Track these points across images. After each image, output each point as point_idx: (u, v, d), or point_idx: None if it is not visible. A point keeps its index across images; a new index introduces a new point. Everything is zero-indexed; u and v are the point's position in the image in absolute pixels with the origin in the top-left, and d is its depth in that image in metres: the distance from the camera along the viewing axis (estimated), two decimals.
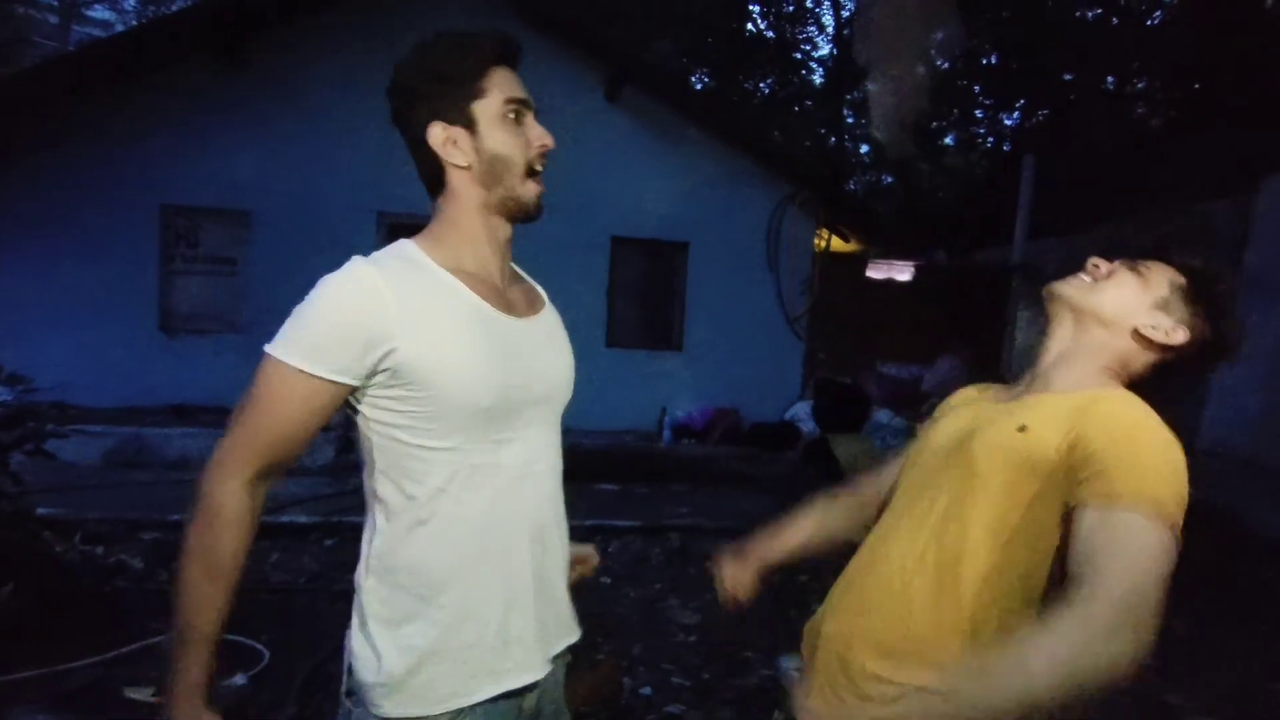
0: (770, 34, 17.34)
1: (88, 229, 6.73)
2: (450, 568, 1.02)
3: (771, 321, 8.03)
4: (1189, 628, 3.49)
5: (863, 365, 7.95)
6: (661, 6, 14.70)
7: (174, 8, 14.12)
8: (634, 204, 7.59)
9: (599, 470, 6.33)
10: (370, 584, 1.05)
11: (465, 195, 1.09)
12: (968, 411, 1.20)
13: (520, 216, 1.11)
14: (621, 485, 6.15)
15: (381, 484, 1.04)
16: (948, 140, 17.13)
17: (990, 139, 16.23)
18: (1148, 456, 0.96)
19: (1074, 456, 0.98)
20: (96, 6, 16.15)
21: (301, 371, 0.96)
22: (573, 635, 1.21)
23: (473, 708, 1.03)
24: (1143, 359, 1.12)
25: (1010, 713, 0.86)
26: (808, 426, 7.29)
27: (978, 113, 15.70)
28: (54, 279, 6.61)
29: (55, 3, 16.20)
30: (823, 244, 8.29)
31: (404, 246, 1.08)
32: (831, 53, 17.79)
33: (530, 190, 1.09)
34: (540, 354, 1.12)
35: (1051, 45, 11.98)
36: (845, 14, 16.85)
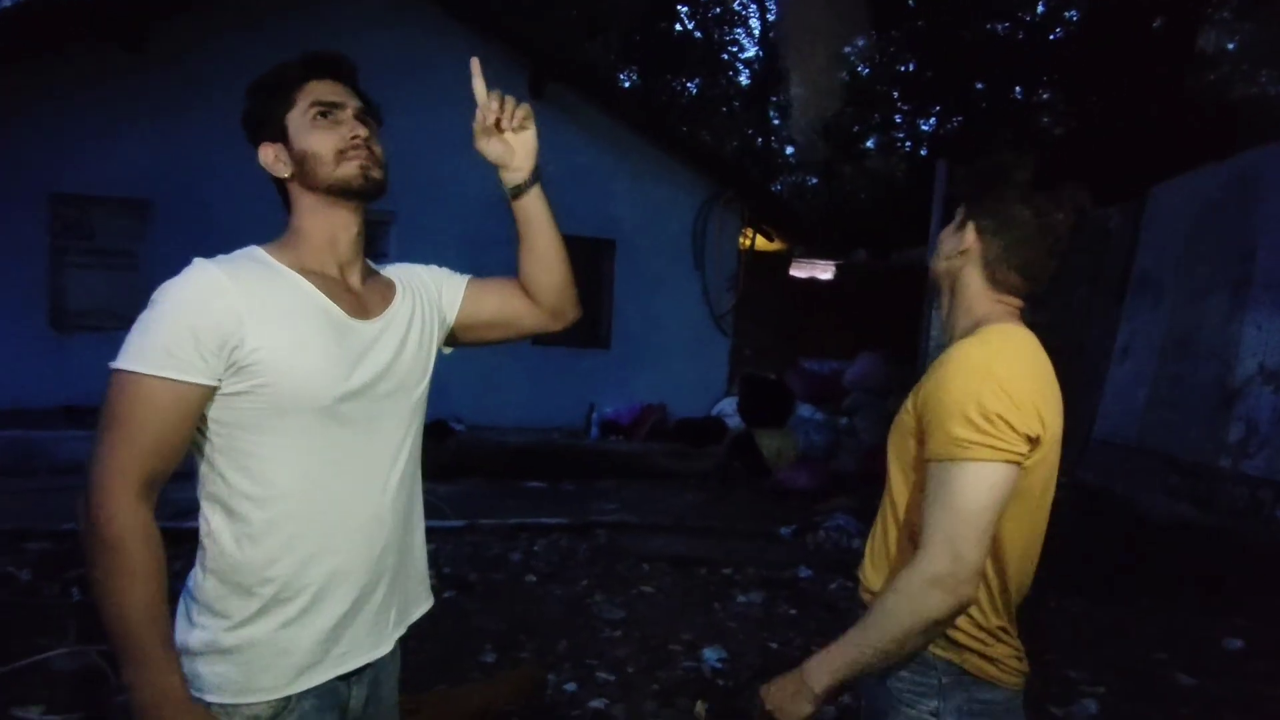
0: (698, 34, 17.53)
1: None
2: (291, 563, 1.04)
3: (697, 319, 8.11)
4: (1085, 606, 3.70)
5: (786, 361, 8.11)
6: (591, 6, 14.67)
7: None
8: (560, 201, 7.20)
9: (526, 468, 6.27)
10: (209, 584, 1.04)
11: (297, 202, 1.12)
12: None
13: (351, 195, 1.10)
14: (549, 483, 6.10)
15: (218, 484, 1.04)
16: (869, 144, 17.68)
17: (909, 144, 16.84)
18: (946, 397, 1.06)
19: (918, 414, 1.12)
20: None
21: (163, 379, 0.95)
22: (421, 608, 1.27)
23: (301, 695, 1.06)
24: (973, 283, 1.19)
25: (877, 658, 1.05)
26: (733, 421, 7.38)
27: (897, 118, 16.26)
28: None
29: None
30: (748, 243, 8.42)
31: (251, 250, 1.09)
32: (758, 55, 18.12)
33: (346, 169, 1.09)
34: (388, 354, 1.13)
35: (964, 57, 12.50)
36: (771, 17, 17.19)
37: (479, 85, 1.22)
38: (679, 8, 16.78)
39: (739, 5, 17.39)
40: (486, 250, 7.13)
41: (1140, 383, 5.69)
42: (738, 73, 19.23)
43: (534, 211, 1.30)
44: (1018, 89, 13.89)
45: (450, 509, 4.75)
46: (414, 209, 7.06)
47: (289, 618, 1.04)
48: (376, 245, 7.49)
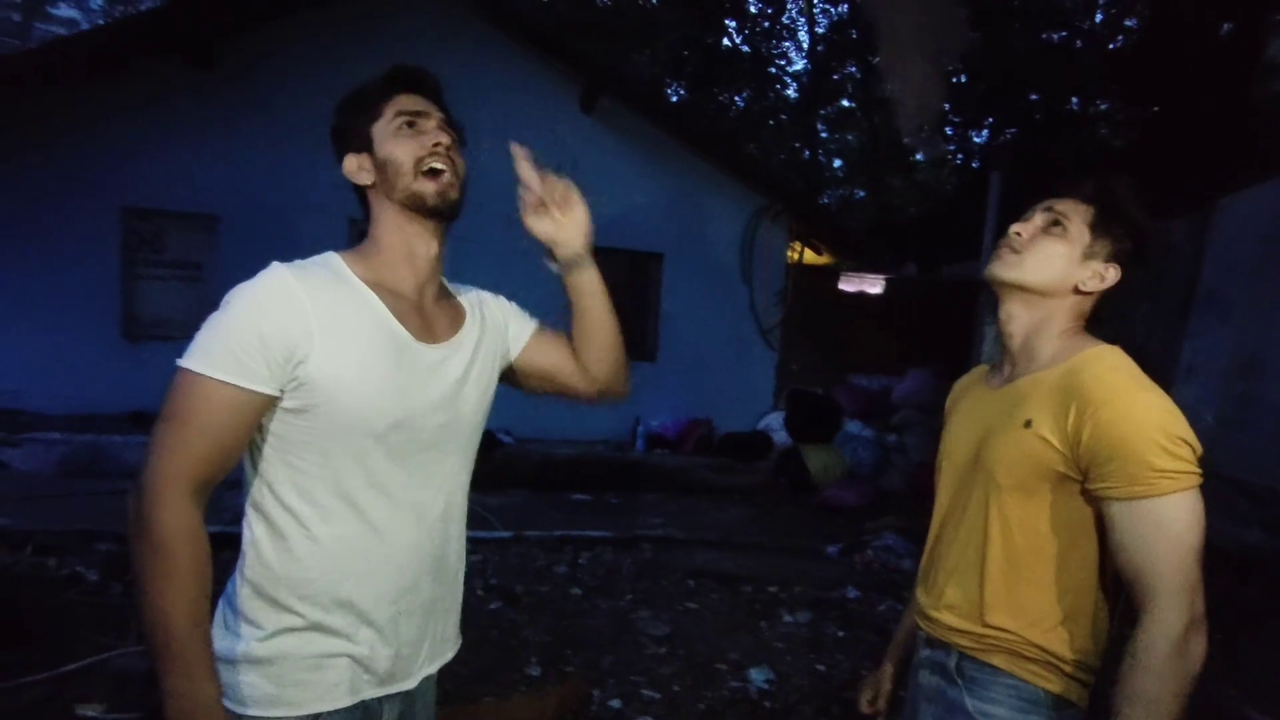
0: (746, 49, 17.53)
1: (47, 231, 6.56)
2: (327, 583, 1.03)
3: (745, 332, 8.08)
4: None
5: (834, 376, 8.01)
6: (639, 20, 14.80)
7: (143, 7, 13.89)
8: (608, 214, 7.55)
9: (571, 480, 6.30)
10: (245, 592, 1.04)
11: (378, 211, 1.12)
12: (974, 413, 1.25)
13: (425, 212, 1.10)
14: (594, 495, 6.12)
15: (264, 495, 1.03)
16: (918, 157, 17.42)
17: (960, 156, 16.54)
18: (1132, 430, 1.00)
19: (1073, 447, 1.04)
20: (61, 4, 15.84)
21: (227, 384, 0.95)
22: (449, 653, 1.24)
23: (331, 713, 1.05)
24: (1091, 303, 1.18)
25: None
26: (780, 437, 7.31)
27: (948, 130, 15.99)
28: (11, 283, 6.43)
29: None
30: (796, 256, 8.37)
31: (329, 257, 1.09)
32: (806, 68, 18.01)
33: (425, 186, 1.09)
34: (448, 384, 1.12)
35: (1018, 67, 12.25)
36: (820, 30, 17.09)
37: (521, 169, 1.23)
38: (727, 22, 16.81)
39: (788, 19, 17.32)
40: (530, 261, 7.29)
41: (1207, 404, 5.46)
42: (785, 86, 19.17)
43: (586, 290, 1.27)
44: (1074, 99, 13.54)
45: (497, 520, 4.80)
46: (471, 226, 7.13)
47: (321, 635, 1.04)
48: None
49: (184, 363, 0.96)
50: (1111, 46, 12.80)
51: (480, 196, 7.12)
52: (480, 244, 7.33)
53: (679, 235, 7.87)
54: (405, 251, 1.11)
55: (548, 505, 5.70)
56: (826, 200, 18.20)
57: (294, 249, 1.36)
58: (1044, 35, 13.05)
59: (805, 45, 17.45)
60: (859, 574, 4.45)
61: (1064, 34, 13.14)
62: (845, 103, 19.26)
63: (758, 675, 3.12)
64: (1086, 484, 1.05)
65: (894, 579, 4.26)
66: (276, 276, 1.00)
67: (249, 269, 1.05)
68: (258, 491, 1.04)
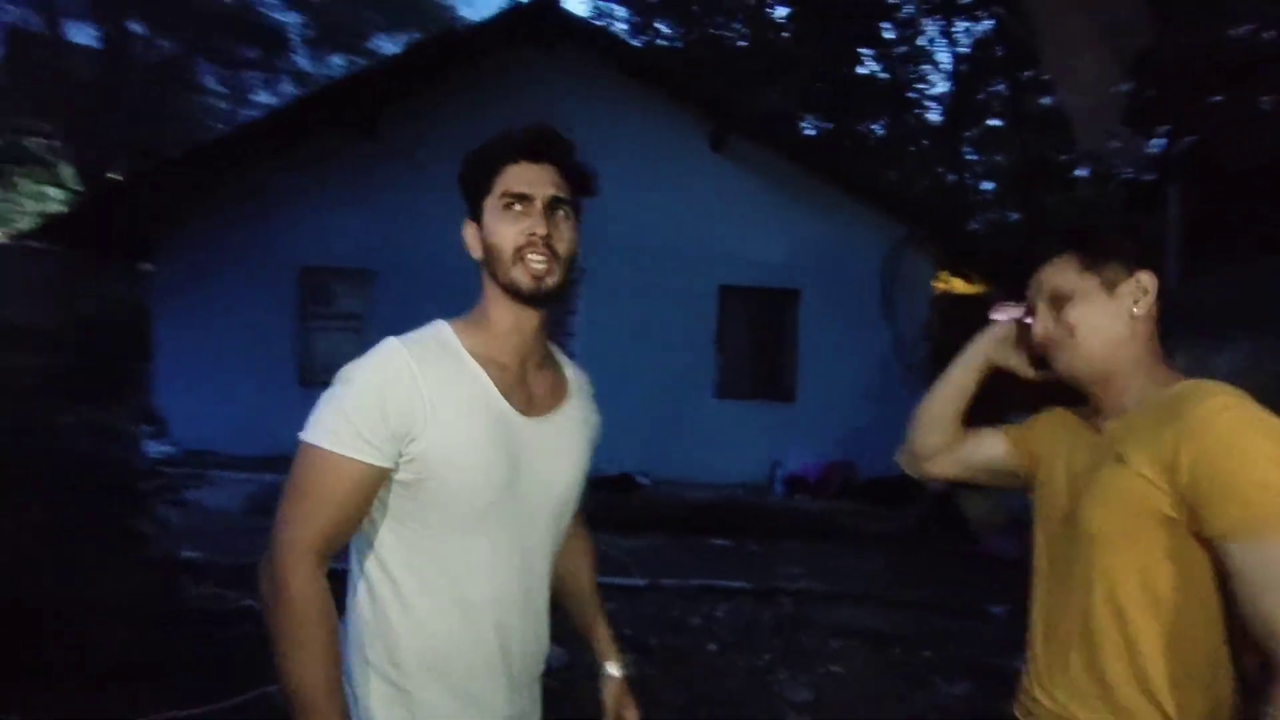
0: (883, 75, 17.05)
1: (233, 289, 7.35)
2: (410, 650, 1.05)
3: (888, 369, 7.67)
4: None
5: (990, 415, 7.42)
6: (771, 57, 14.80)
7: None
8: (742, 252, 7.51)
9: (709, 525, 6.17)
10: (355, 660, 1.08)
11: (486, 284, 1.14)
12: (1065, 460, 1.14)
13: (520, 299, 1.10)
14: (732, 541, 5.96)
15: (369, 558, 1.07)
16: (1080, 172, 16.12)
17: (1128, 170, 15.13)
18: (1242, 466, 0.90)
19: (1174, 479, 0.94)
20: (261, 93, 17.96)
21: (350, 459, 1.00)
22: None
23: None
24: (1153, 322, 1.08)
25: None
26: (931, 483, 6.83)
27: (1115, 141, 14.70)
28: (205, 335, 7.23)
29: (226, 90, 18.18)
30: (943, 287, 7.90)
31: (440, 329, 1.12)
32: (949, 90, 17.25)
33: (519, 274, 1.08)
34: (546, 458, 1.13)
35: (1195, 68, 11.08)
36: (962, 49, 16.36)
37: None
38: (861, 51, 16.45)
39: (925, 41, 16.72)
40: (671, 301, 7.34)
41: None
42: (926, 110, 18.42)
43: None
44: (1263, 99, 12.06)
45: (634, 565, 4.76)
46: (603, 267, 7.35)
47: (407, 700, 1.06)
48: (564, 303, 7.88)
49: (308, 438, 1.02)
50: None
51: (604, 233, 7.23)
52: (604, 279, 7.47)
53: (816, 270, 7.65)
54: (510, 327, 1.12)
55: (684, 551, 5.60)
56: (976, 225, 17.21)
57: (443, 301, 1.40)
58: (1226, 30, 11.75)
59: (947, 66, 16.75)
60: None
61: (1251, 26, 11.77)
62: (993, 122, 18.24)
63: None
64: (1196, 525, 0.93)
65: None
66: (393, 354, 1.04)
67: (403, 319, 1.14)
68: (364, 557, 1.08)
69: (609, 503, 5.98)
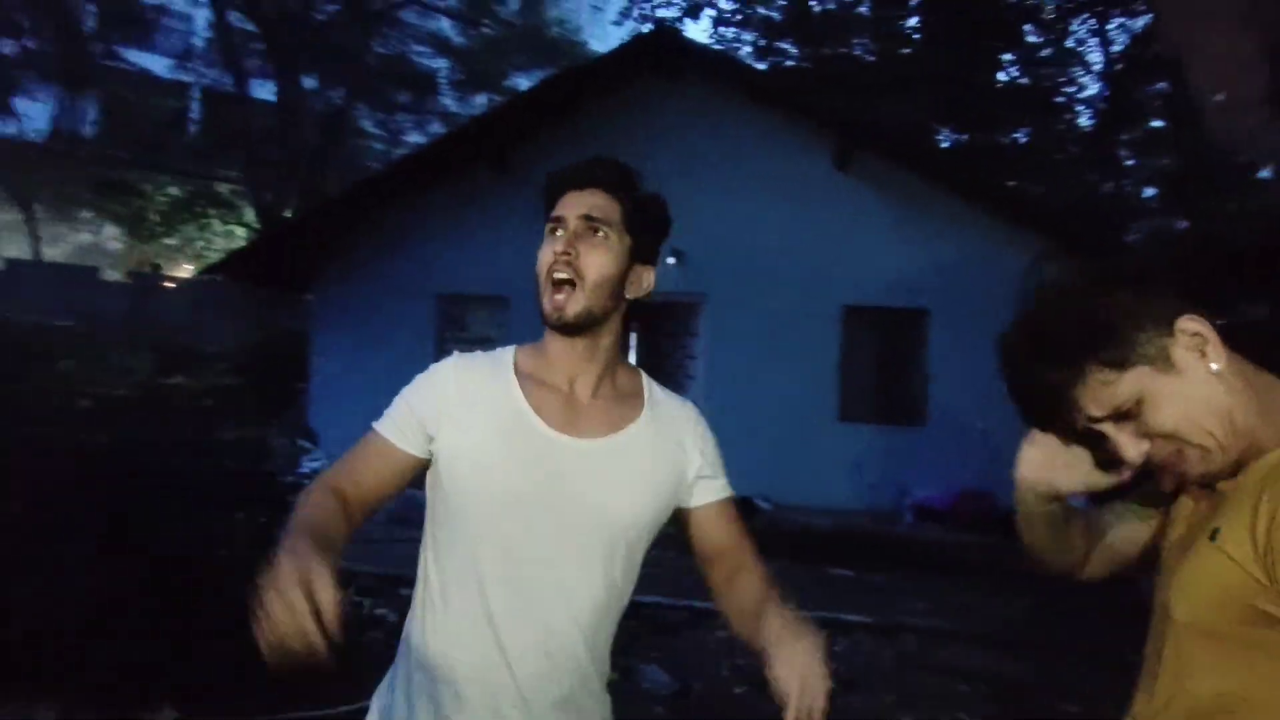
0: (1024, 81, 16.09)
1: (380, 315, 7.95)
2: (441, 665, 1.06)
3: None
4: None
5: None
6: (899, 69, 14.35)
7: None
8: (867, 271, 7.31)
9: (832, 553, 5.99)
10: (401, 649, 1.15)
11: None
12: (1177, 531, 0.94)
13: (549, 327, 1.12)
14: (855, 572, 5.75)
15: (420, 565, 1.14)
16: (1264, 174, 14.46)
17: None
18: None
19: (1264, 558, 0.75)
20: (413, 133, 19.45)
21: (381, 435, 1.11)
22: None
23: None
24: (1235, 364, 0.85)
25: None
26: None
27: None
28: (354, 359, 7.85)
29: (382, 132, 19.85)
30: None
31: (507, 349, 1.18)
32: (1100, 92, 16.03)
33: (544, 302, 1.11)
34: (593, 481, 1.08)
35: None
36: (1117, 48, 15.18)
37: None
38: (1001, 56, 15.61)
39: (1073, 42, 15.63)
40: (793, 322, 7.24)
41: None
42: (1075, 115, 17.18)
43: None
44: None
45: None
46: (726, 290, 7.38)
47: (424, 705, 1.07)
48: (688, 327, 7.94)
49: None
50: None
51: (726, 255, 7.28)
52: (726, 300, 7.47)
53: (946, 289, 7.30)
54: (557, 351, 1.14)
55: (805, 579, 5.45)
56: (1135, 235, 15.79)
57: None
58: None
59: (1098, 67, 15.58)
60: None
61: None
62: (1154, 123, 16.74)
63: None
64: None
65: None
66: (445, 363, 1.15)
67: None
68: (420, 562, 1.15)
69: None
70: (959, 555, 5.96)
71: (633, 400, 1.17)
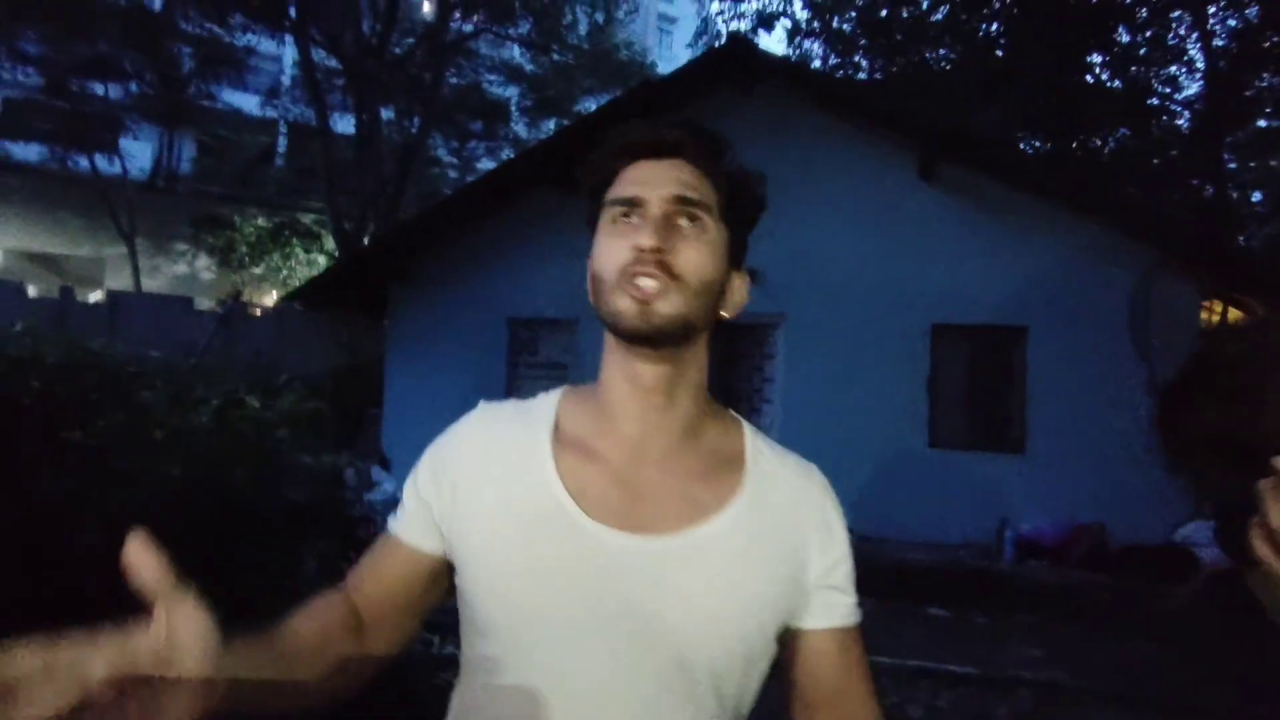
0: (1116, 83, 15.21)
1: (449, 340, 7.95)
2: None
3: (1144, 418, 6.55)
4: None
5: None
6: (983, 75, 13.77)
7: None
8: (958, 287, 6.86)
9: (926, 591, 5.56)
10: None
11: (605, 340, 0.84)
12: None
13: (623, 335, 0.78)
14: (954, 612, 5.31)
15: (461, 637, 0.84)
16: None
17: None
18: None
19: None
20: (485, 160, 19.87)
21: (391, 534, 0.85)
22: None
23: None
24: None
25: None
26: (1208, 553, 5.68)
27: None
28: (428, 383, 7.85)
29: (456, 160, 20.36)
30: (1214, 318, 6.67)
31: (547, 399, 0.87)
32: (1201, 90, 14.99)
33: (619, 300, 0.76)
34: (661, 591, 0.74)
35: None
36: (1219, 43, 14.19)
37: None
38: (1091, 57, 14.80)
39: (1173, 39, 14.69)
40: (878, 342, 6.85)
41: None
42: (1174, 116, 16.11)
43: None
44: None
45: None
46: (805, 308, 7.07)
47: None
48: (763, 348, 7.64)
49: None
50: None
51: (806, 273, 6.95)
52: (805, 320, 7.13)
53: (1046, 304, 6.78)
54: (621, 393, 0.80)
55: (899, 620, 5.05)
56: (1249, 241, 14.66)
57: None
58: None
59: (1200, 65, 14.57)
60: None
61: None
62: (1262, 123, 15.56)
63: None
64: None
65: None
66: (463, 422, 0.87)
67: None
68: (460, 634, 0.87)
69: None
70: (1070, 595, 5.43)
71: (728, 468, 0.82)
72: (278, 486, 3.36)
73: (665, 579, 0.74)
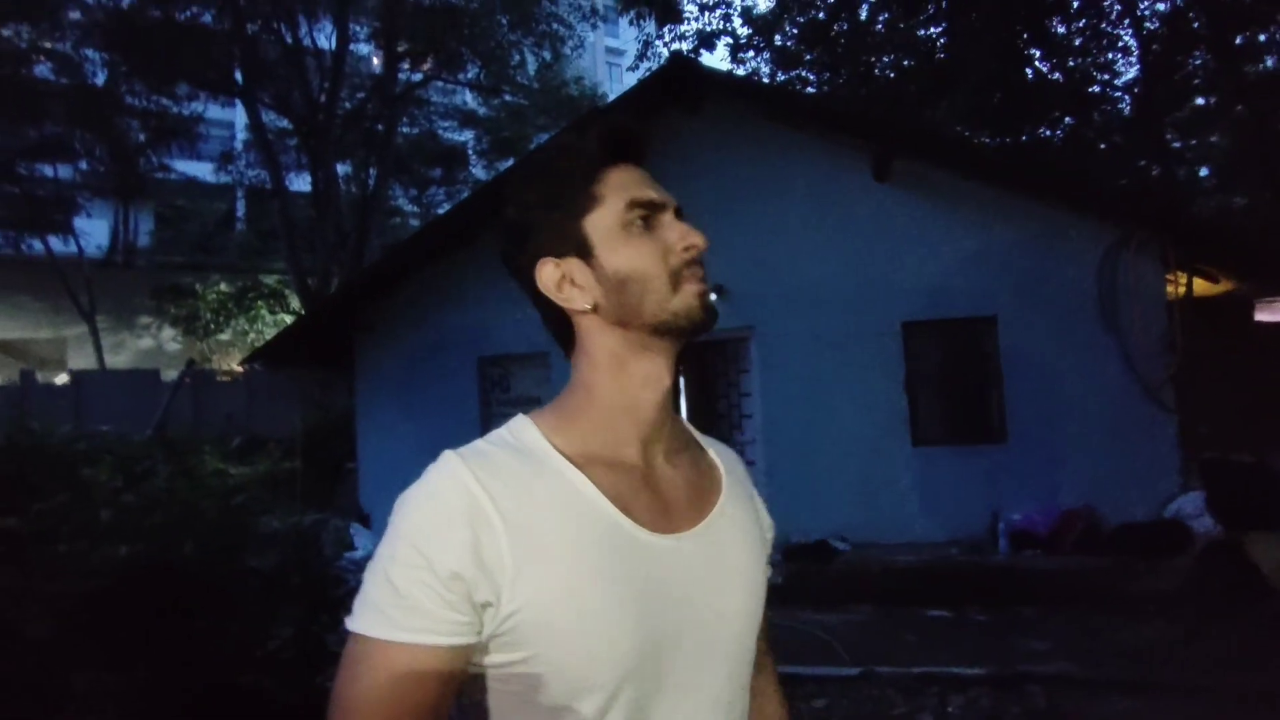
0: (1057, 76, 15.57)
1: (423, 382, 7.79)
2: None
3: (1122, 394, 6.54)
4: None
5: (1266, 436, 6.08)
6: (929, 78, 14.04)
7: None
8: (923, 283, 6.86)
9: (924, 592, 5.45)
10: None
11: (599, 348, 0.80)
12: None
13: (683, 334, 0.78)
14: (953, 611, 5.19)
15: None
16: None
17: None
18: None
19: None
20: (444, 205, 19.90)
21: (406, 645, 0.67)
22: None
23: None
24: None
25: None
26: (1201, 524, 5.64)
27: None
28: (399, 431, 7.67)
29: (415, 208, 20.39)
30: (1179, 290, 6.71)
31: (522, 430, 0.79)
32: (1139, 75, 15.38)
33: (687, 299, 0.77)
34: (706, 589, 0.77)
35: None
36: (1150, 27, 14.58)
37: None
38: (1029, 52, 15.15)
39: (1107, 27, 15.10)
40: (850, 347, 6.80)
41: None
42: (1115, 103, 16.52)
43: None
44: None
45: (841, 647, 4.22)
46: (773, 319, 7.03)
47: None
48: (736, 363, 7.57)
49: (353, 626, 0.69)
50: None
51: (773, 285, 6.88)
52: (776, 332, 7.07)
53: (1011, 292, 6.79)
54: (629, 400, 0.78)
55: (897, 625, 4.94)
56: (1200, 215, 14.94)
57: None
58: None
59: (1135, 50, 14.96)
60: None
61: None
62: (1199, 100, 16.01)
63: None
64: None
65: None
66: (448, 476, 0.72)
67: None
68: None
69: (805, 574, 5.47)
70: (1069, 583, 5.35)
71: (698, 451, 0.88)
72: (237, 554, 3.19)
73: (711, 569, 0.78)
